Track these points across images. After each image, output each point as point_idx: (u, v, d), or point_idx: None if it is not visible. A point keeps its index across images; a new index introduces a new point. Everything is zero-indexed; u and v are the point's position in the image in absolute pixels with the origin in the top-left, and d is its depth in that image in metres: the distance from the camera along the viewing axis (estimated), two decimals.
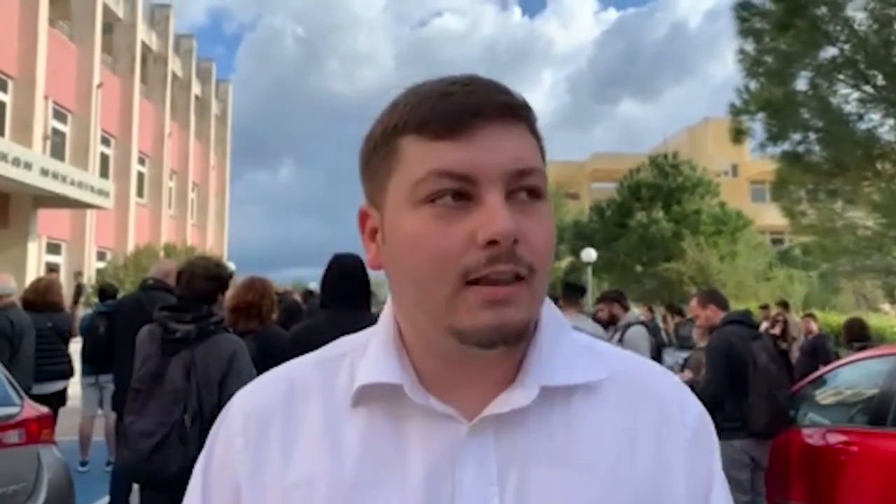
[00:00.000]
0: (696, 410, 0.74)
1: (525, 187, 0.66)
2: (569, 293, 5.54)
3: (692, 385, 4.91)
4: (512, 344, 0.66)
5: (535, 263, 0.65)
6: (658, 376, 0.76)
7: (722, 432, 4.75)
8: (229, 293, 4.11)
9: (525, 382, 0.68)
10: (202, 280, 3.29)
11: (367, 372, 0.71)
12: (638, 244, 26.90)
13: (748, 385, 4.41)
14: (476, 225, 0.63)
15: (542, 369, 0.69)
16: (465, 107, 0.64)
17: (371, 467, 0.68)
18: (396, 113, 0.68)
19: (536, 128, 0.70)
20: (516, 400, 0.67)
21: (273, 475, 0.70)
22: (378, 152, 0.69)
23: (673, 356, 8.61)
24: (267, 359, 3.65)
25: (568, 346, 0.73)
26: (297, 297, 6.92)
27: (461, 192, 0.64)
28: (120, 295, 7.21)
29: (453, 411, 0.68)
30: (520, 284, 0.64)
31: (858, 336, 7.11)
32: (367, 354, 0.73)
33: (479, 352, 0.66)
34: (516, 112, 0.67)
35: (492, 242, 0.62)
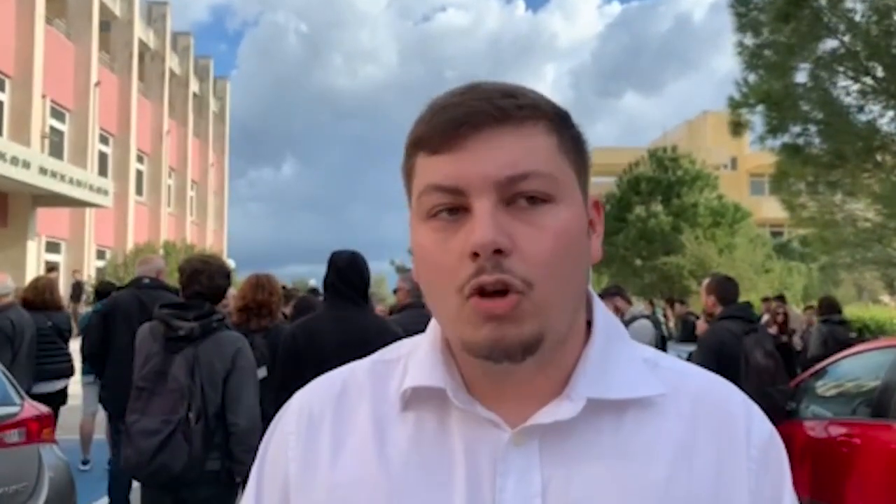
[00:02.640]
0: (764, 432, 0.72)
1: (522, 193, 0.63)
2: None
3: None
4: (518, 360, 0.64)
5: (531, 276, 0.62)
6: (725, 394, 0.73)
7: None
8: (234, 292, 4.11)
9: (571, 395, 0.67)
10: (220, 278, 3.31)
11: (414, 375, 0.71)
12: (637, 238, 26.87)
13: (740, 383, 4.38)
14: (466, 237, 0.63)
15: (590, 382, 0.68)
16: (453, 118, 0.64)
17: (415, 470, 0.68)
18: (412, 129, 0.69)
19: (559, 125, 0.68)
20: (561, 412, 0.66)
21: (321, 473, 0.71)
22: (404, 169, 0.71)
23: (675, 349, 8.61)
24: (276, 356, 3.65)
25: (623, 358, 0.71)
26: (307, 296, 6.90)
27: (457, 205, 0.64)
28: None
29: (497, 418, 0.67)
30: (516, 297, 0.62)
31: (831, 311, 7.49)
32: (415, 358, 0.73)
33: (494, 366, 0.65)
34: (512, 115, 0.64)
35: (475, 253, 0.61)
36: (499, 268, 0.61)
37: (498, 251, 0.61)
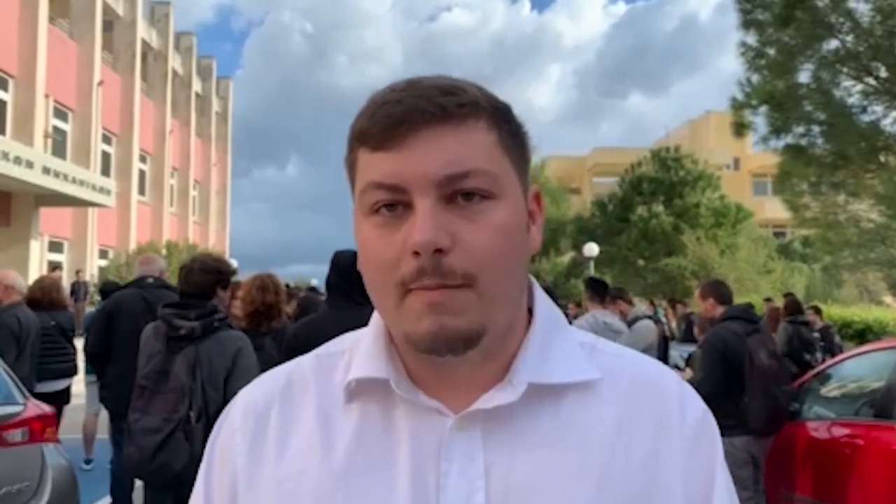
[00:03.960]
0: (697, 410, 0.73)
1: (462, 190, 0.64)
2: (592, 289, 5.61)
3: (691, 383, 4.89)
4: (460, 352, 0.65)
5: (473, 270, 0.63)
6: (660, 375, 0.75)
7: (720, 430, 4.72)
8: (242, 294, 4.08)
9: (513, 381, 0.68)
10: (199, 274, 3.31)
11: (358, 367, 0.72)
12: (639, 239, 26.86)
13: (744, 384, 4.37)
14: (408, 234, 0.63)
15: (530, 367, 0.69)
16: (393, 116, 0.65)
17: (360, 460, 0.69)
18: (354, 122, 0.69)
19: (499, 121, 0.68)
20: (502, 397, 0.68)
21: (267, 468, 0.72)
22: (347, 161, 0.71)
23: (678, 349, 8.60)
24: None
25: (562, 344, 0.73)
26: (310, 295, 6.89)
27: (397, 201, 0.65)
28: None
29: (441, 405, 0.69)
30: (458, 290, 0.63)
31: (795, 311, 7.95)
32: (359, 351, 0.74)
33: (438, 359, 0.66)
34: (453, 114, 0.65)
35: (416, 252, 0.62)
36: (439, 269, 0.62)
37: (438, 250, 0.62)
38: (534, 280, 0.77)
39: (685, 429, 0.71)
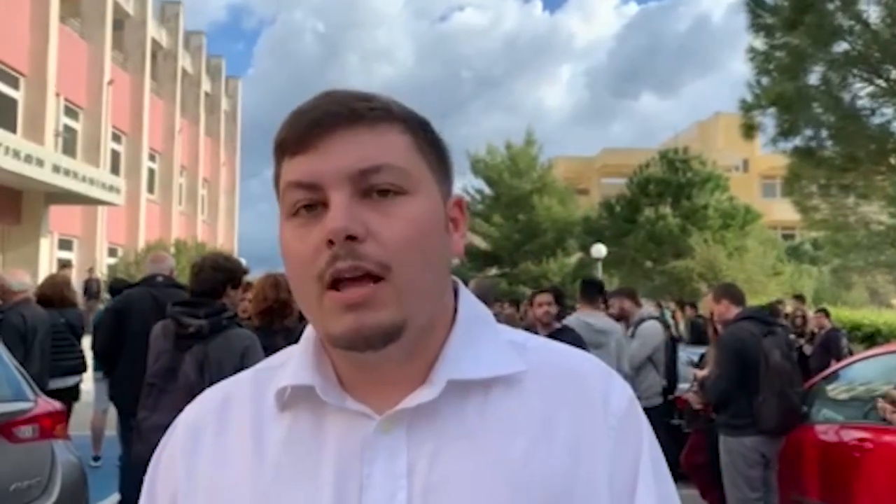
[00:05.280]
0: (623, 399, 0.74)
1: (375, 185, 0.67)
2: (585, 290, 5.54)
3: (705, 381, 4.88)
4: (379, 347, 0.66)
5: (389, 260, 0.65)
6: (586, 366, 0.76)
7: (732, 429, 4.63)
8: (254, 292, 4.09)
9: (433, 379, 0.70)
10: (209, 272, 3.32)
11: (287, 376, 0.74)
12: (646, 240, 26.74)
13: (759, 383, 4.37)
14: (322, 227, 0.66)
15: (451, 364, 0.70)
16: (308, 120, 0.68)
17: (288, 465, 0.71)
18: (275, 136, 0.72)
19: (414, 128, 0.71)
20: (424, 395, 0.69)
21: (204, 482, 0.74)
22: (273, 175, 0.74)
23: (687, 351, 8.58)
24: None
25: (486, 340, 0.74)
26: None
27: (315, 201, 0.67)
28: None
29: (367, 409, 0.70)
30: (377, 285, 0.65)
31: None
32: (292, 361, 0.76)
33: (360, 356, 0.68)
34: (365, 116, 0.68)
35: (330, 241, 0.65)
36: (353, 254, 0.65)
37: (351, 238, 0.64)
38: (459, 282, 0.78)
39: (609, 418, 0.72)
